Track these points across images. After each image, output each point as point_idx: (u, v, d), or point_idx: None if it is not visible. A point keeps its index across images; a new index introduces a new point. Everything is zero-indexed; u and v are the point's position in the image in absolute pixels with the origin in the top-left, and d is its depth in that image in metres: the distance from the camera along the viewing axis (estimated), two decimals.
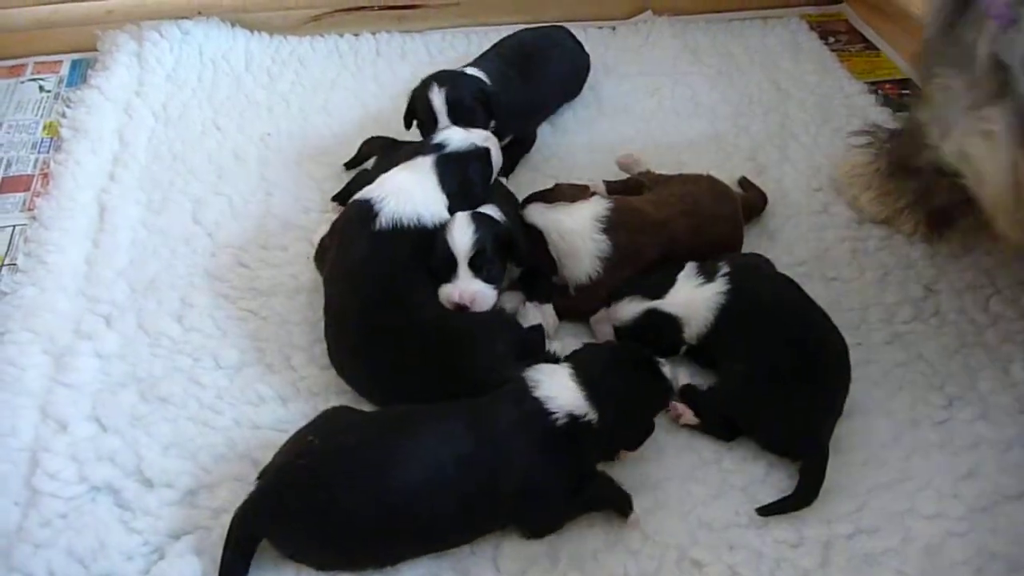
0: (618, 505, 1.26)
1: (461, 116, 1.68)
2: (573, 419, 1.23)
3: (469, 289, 1.42)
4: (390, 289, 1.40)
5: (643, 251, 1.51)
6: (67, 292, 1.58)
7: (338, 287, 1.45)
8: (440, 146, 1.56)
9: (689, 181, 1.64)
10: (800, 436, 1.33)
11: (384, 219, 1.45)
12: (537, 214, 1.56)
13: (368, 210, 1.47)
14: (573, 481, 1.24)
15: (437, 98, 1.69)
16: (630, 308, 1.45)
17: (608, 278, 1.50)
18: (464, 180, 1.54)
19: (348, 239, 1.48)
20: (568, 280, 1.55)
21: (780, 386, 1.34)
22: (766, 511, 1.28)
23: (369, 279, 1.42)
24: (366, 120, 1.97)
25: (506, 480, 1.20)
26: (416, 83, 1.76)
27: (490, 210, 1.51)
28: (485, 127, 1.70)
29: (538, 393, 1.25)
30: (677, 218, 1.55)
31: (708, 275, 1.43)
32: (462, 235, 1.43)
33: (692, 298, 1.42)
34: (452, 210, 1.50)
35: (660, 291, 1.44)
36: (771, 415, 1.34)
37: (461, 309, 1.42)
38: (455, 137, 1.58)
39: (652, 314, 1.44)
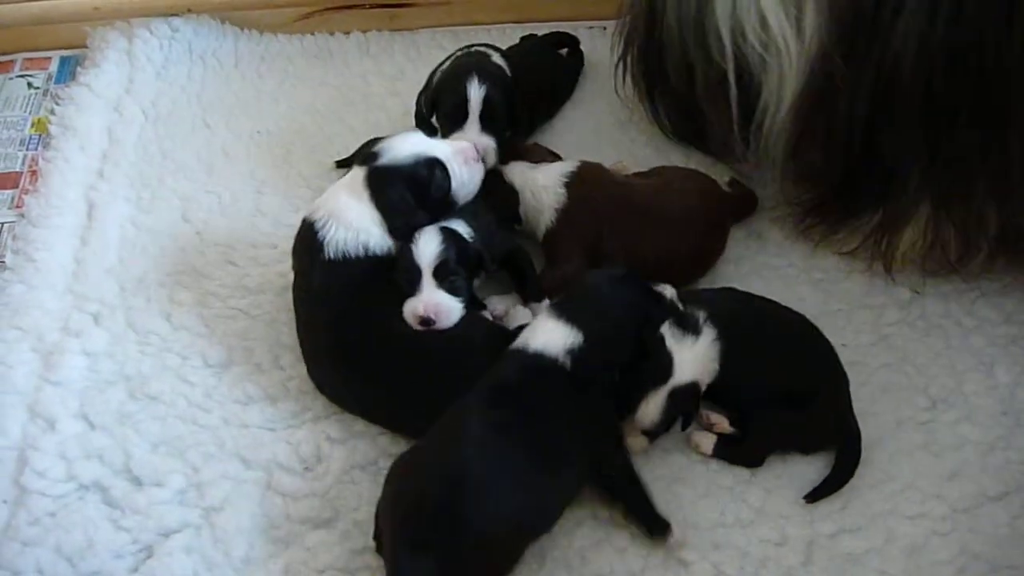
0: (653, 528, 1.27)
1: (494, 119, 1.60)
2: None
3: (433, 300, 1.36)
4: (354, 310, 1.38)
5: (592, 201, 1.55)
6: (55, 290, 1.58)
7: (303, 311, 1.45)
8: (375, 156, 1.46)
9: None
10: (836, 427, 1.36)
11: (331, 249, 1.40)
12: (518, 174, 1.60)
13: (314, 236, 1.42)
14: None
15: (476, 92, 1.60)
16: (654, 400, 1.33)
17: (563, 228, 1.54)
18: (399, 199, 1.43)
19: (303, 264, 1.45)
20: (535, 233, 1.60)
21: (802, 397, 1.36)
22: (813, 496, 1.31)
23: (331, 304, 1.40)
24: (356, 119, 1.97)
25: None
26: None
27: (458, 225, 1.46)
28: (503, 130, 1.64)
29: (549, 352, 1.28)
30: (637, 180, 1.63)
31: (692, 328, 1.35)
32: (427, 246, 1.39)
33: (695, 356, 1.35)
34: (395, 232, 1.43)
35: (666, 371, 1.34)
36: (806, 426, 1.37)
37: (425, 324, 1.36)
38: (396, 146, 1.47)
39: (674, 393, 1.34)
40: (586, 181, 1.58)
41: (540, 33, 2.12)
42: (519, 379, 1.27)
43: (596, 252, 1.54)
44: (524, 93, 1.75)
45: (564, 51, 2.10)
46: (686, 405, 1.34)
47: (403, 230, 1.43)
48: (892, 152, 1.47)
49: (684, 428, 1.38)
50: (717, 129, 1.66)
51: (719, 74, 1.54)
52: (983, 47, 1.31)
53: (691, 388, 1.34)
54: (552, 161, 1.65)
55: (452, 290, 1.39)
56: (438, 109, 1.68)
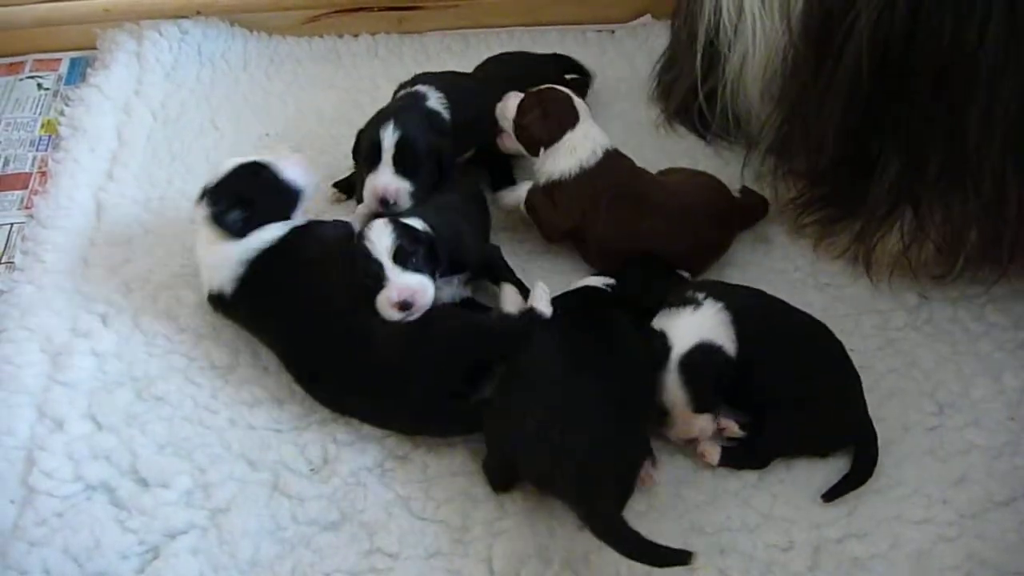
0: None
1: (409, 162, 1.54)
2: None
3: (404, 283, 1.34)
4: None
5: (598, 184, 1.57)
6: (64, 291, 1.59)
7: None
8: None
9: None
10: (850, 427, 1.37)
11: None
12: (586, 110, 1.65)
13: None
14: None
15: (389, 136, 1.54)
16: (669, 380, 1.34)
17: (574, 188, 1.57)
18: None
19: None
20: (542, 171, 1.62)
21: (816, 396, 1.36)
22: (830, 496, 1.31)
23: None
24: (363, 121, 1.95)
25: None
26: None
27: (414, 221, 1.42)
28: (425, 173, 1.56)
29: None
30: (647, 173, 1.66)
31: (689, 302, 1.39)
32: (379, 236, 1.35)
33: (697, 322, 1.37)
34: None
35: (663, 345, 1.36)
36: (820, 426, 1.37)
37: (404, 308, 1.33)
38: None
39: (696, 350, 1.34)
40: (616, 160, 1.62)
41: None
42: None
43: (587, 226, 1.57)
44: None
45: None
46: (707, 368, 1.33)
47: None
48: (870, 149, 1.49)
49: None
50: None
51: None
52: (939, 34, 1.32)
53: (699, 350, 1.33)
54: None
55: (417, 269, 1.36)
56: (358, 152, 1.63)
